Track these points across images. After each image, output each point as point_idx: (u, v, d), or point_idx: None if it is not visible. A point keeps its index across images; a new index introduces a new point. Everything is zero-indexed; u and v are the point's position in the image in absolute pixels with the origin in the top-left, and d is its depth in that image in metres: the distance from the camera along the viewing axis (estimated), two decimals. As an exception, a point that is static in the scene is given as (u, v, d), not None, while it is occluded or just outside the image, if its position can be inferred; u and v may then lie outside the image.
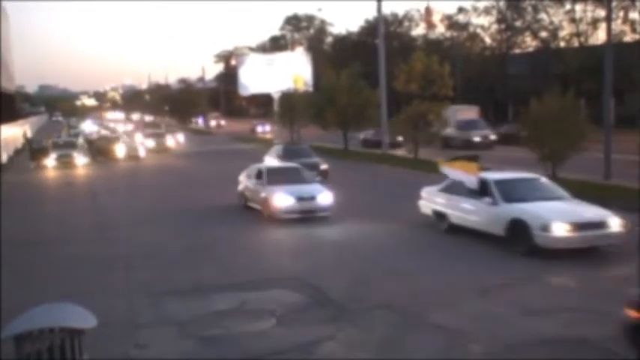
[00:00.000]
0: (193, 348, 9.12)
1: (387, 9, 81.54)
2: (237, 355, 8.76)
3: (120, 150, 42.09)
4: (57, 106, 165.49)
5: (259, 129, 66.15)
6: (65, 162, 37.09)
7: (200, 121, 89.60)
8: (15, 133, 51.97)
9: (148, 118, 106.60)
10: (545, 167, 23.25)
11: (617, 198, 19.62)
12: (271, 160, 27.61)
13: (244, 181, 20.74)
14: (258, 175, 19.71)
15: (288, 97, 52.69)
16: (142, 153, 42.40)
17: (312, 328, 9.66)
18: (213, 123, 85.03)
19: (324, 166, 26.87)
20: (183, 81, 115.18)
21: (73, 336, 6.06)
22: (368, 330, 9.48)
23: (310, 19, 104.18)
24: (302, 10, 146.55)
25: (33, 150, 41.90)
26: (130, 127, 73.52)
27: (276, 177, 19.30)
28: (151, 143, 47.31)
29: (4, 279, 12.04)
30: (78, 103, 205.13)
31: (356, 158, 36.77)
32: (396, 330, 9.44)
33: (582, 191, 21.16)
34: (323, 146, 41.04)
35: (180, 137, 55.21)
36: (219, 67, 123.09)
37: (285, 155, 27.38)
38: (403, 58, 35.84)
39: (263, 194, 18.61)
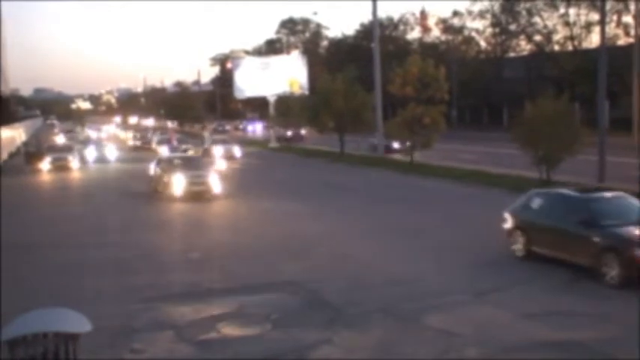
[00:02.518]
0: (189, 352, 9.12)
1: (383, 13, 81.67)
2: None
3: (177, 182, 24.10)
4: (52, 109, 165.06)
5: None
6: (60, 165, 37.00)
7: (252, 127, 70.94)
8: (11, 136, 51.95)
9: (144, 121, 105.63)
10: (539, 169, 23.37)
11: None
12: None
13: None
14: None
15: (283, 101, 52.73)
16: (216, 187, 24.32)
17: None
18: (288, 133, 57.37)
19: None
20: (179, 84, 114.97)
21: (67, 341, 6.04)
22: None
23: (306, 22, 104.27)
24: (298, 13, 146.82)
25: (28, 153, 41.93)
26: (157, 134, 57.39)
27: None
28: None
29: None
30: (73, 106, 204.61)
31: None
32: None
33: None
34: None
35: (237, 151, 41.16)
36: (215, 71, 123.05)
37: (598, 216, 12.60)
38: (398, 62, 35.73)
39: None
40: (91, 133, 73.55)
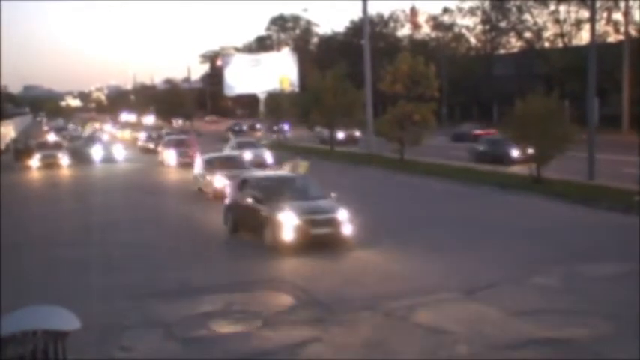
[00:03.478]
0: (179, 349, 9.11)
1: (373, 10, 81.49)
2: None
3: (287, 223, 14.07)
4: (42, 106, 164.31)
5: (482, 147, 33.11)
6: (50, 163, 36.87)
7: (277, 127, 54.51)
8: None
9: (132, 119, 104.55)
10: (529, 167, 23.43)
11: (601, 198, 19.77)
12: None
13: None
14: None
15: (274, 98, 52.65)
16: (346, 229, 14.44)
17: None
18: (341, 135, 44.94)
19: None
20: (168, 81, 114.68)
21: (56, 339, 6.02)
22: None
23: (296, 19, 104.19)
24: (288, 10, 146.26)
25: (18, 150, 41.78)
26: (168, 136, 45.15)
27: None
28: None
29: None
30: (63, 103, 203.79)
31: None
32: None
33: (566, 192, 21.43)
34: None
35: (269, 156, 32.75)
36: (205, 68, 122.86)
37: None
38: (389, 59, 35.75)
39: None
40: (100, 134, 64.99)
